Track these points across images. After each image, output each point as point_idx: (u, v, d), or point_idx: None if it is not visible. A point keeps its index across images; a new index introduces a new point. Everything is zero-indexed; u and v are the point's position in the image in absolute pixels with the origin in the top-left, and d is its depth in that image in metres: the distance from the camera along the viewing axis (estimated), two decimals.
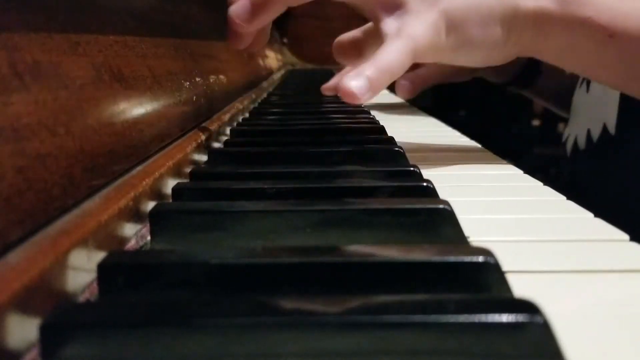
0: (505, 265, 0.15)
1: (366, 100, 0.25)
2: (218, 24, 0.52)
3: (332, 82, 0.60)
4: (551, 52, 0.28)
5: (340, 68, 0.70)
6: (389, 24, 0.26)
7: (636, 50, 0.26)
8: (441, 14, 0.26)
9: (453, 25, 0.26)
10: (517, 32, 0.27)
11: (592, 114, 0.41)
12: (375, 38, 0.31)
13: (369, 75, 0.24)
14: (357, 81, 0.24)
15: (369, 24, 0.33)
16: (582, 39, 0.27)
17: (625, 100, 0.35)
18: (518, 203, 0.23)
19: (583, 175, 0.43)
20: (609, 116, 0.39)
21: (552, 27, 0.27)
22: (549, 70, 0.51)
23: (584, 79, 0.44)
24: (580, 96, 0.44)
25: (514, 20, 0.27)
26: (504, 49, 0.28)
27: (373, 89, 0.24)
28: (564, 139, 0.46)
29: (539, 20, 0.27)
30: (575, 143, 0.43)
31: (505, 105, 1.29)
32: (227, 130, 0.38)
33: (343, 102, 0.57)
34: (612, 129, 0.38)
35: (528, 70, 0.52)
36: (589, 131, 0.41)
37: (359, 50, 0.33)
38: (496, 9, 0.26)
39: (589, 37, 0.26)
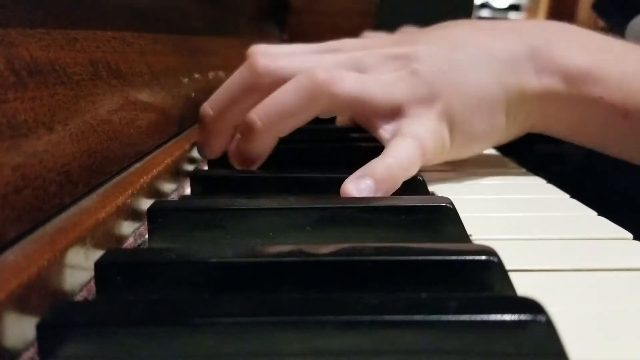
0: (508, 264, 0.14)
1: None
2: (217, 20, 0.52)
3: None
4: (560, 130, 0.26)
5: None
6: (388, 130, 0.23)
7: None
8: (441, 114, 0.23)
9: (456, 124, 0.24)
10: (523, 114, 0.25)
11: None
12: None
13: (378, 176, 0.20)
14: (361, 184, 0.20)
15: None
16: (593, 118, 0.24)
17: None
18: (521, 201, 0.23)
19: (600, 170, 0.42)
20: None
21: (561, 106, 0.25)
22: None
23: None
24: None
25: (519, 103, 0.24)
26: (509, 131, 0.25)
27: (381, 192, 0.20)
28: None
29: (546, 100, 0.24)
30: None
31: None
32: None
33: None
34: None
35: None
36: None
37: None
38: (501, 97, 0.24)
39: (600, 116, 0.24)
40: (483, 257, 0.14)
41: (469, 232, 0.18)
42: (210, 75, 0.39)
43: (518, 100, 0.24)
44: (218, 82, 0.42)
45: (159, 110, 0.26)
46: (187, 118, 0.30)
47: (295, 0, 1.18)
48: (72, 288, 0.14)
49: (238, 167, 0.25)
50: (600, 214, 0.21)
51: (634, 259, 0.17)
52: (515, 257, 0.16)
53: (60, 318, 0.12)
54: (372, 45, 0.26)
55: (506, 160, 0.31)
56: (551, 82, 0.24)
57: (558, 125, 0.26)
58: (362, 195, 0.20)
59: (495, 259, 0.14)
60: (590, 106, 0.24)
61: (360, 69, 0.24)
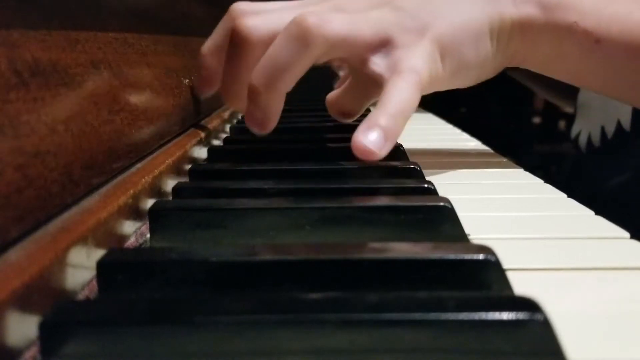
0: (505, 263, 0.14)
1: (386, 153, 0.22)
2: (217, 21, 0.52)
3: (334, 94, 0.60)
4: (538, 60, 0.27)
5: (340, 66, 0.70)
6: (379, 64, 0.24)
7: (621, 55, 0.25)
8: (433, 42, 0.24)
9: (447, 51, 0.25)
10: (504, 42, 0.26)
11: (605, 111, 0.41)
12: (360, 89, 0.29)
13: (383, 125, 0.21)
14: (371, 135, 0.21)
15: (347, 82, 0.30)
16: (568, 46, 0.26)
17: None
18: (519, 200, 0.23)
19: (598, 171, 0.42)
20: (623, 113, 0.38)
21: (538, 34, 0.26)
22: None
23: None
24: (590, 92, 0.44)
25: (500, 31, 0.26)
26: (493, 62, 0.27)
27: (391, 139, 0.21)
28: (573, 135, 0.46)
29: (525, 28, 0.26)
30: (590, 140, 0.43)
31: (505, 103, 1.29)
32: (227, 128, 0.38)
33: None
34: (626, 125, 0.38)
35: None
36: (603, 128, 0.40)
37: (349, 112, 0.31)
38: (485, 25, 0.25)
39: (575, 43, 0.25)
40: (481, 256, 0.14)
41: (467, 231, 0.18)
42: None
43: (500, 28, 0.26)
44: None
45: (160, 111, 0.26)
46: (188, 118, 0.31)
47: None
48: (73, 287, 0.14)
49: (256, 133, 0.25)
50: (597, 213, 0.21)
51: (631, 258, 0.17)
52: (512, 256, 0.16)
53: (62, 317, 0.12)
54: None
55: (504, 160, 0.31)
56: (528, 10, 0.25)
57: (536, 55, 0.27)
58: (374, 146, 0.20)
59: (493, 258, 0.14)
60: (565, 34, 0.25)
61: (345, 10, 0.25)
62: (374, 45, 0.24)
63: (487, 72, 0.27)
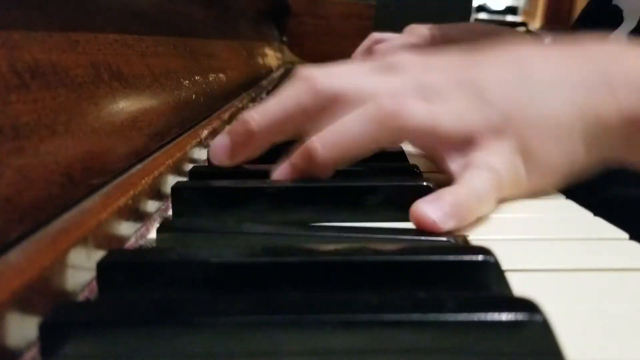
0: (504, 264, 0.15)
1: (444, 230, 0.19)
2: (217, 23, 0.52)
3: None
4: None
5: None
6: (458, 162, 0.21)
7: None
8: (514, 144, 0.21)
9: (531, 156, 0.22)
10: (604, 141, 0.22)
11: None
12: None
13: (449, 200, 0.19)
14: (434, 205, 0.19)
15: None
16: None
17: None
18: (517, 202, 0.23)
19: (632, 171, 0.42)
20: None
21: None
22: None
23: None
24: None
25: (598, 131, 0.22)
26: (590, 162, 0.22)
27: (456, 216, 0.19)
28: None
29: (628, 129, 0.21)
30: None
31: None
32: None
33: None
34: None
35: None
36: None
37: None
38: (577, 125, 0.21)
39: None
40: (480, 257, 0.14)
41: (465, 232, 0.18)
42: (211, 77, 0.39)
43: (596, 128, 0.22)
44: (219, 84, 0.42)
45: (160, 112, 0.26)
46: (188, 119, 0.31)
47: (295, 3, 1.19)
48: (74, 288, 0.14)
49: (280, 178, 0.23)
50: (595, 214, 0.21)
51: (629, 259, 0.17)
52: (511, 257, 0.16)
53: (62, 318, 0.12)
54: (434, 66, 0.24)
55: None
56: (630, 105, 0.22)
57: (638, 156, 0.23)
58: (437, 221, 0.18)
59: (492, 259, 0.14)
60: None
61: (426, 94, 0.22)
62: (453, 144, 0.22)
63: (579, 172, 0.23)
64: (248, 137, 0.23)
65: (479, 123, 0.22)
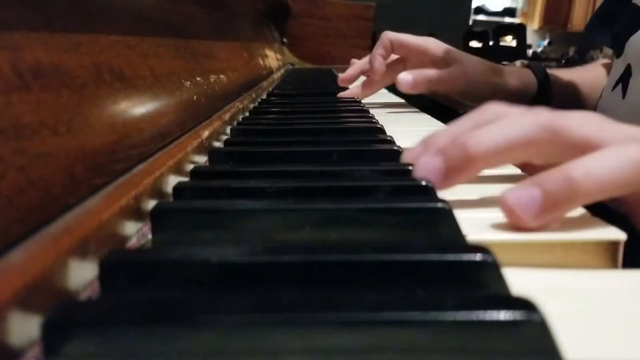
0: (503, 264, 0.15)
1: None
2: (218, 24, 0.52)
3: (346, 74, 0.61)
4: None
5: (340, 68, 0.71)
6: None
7: None
8: None
9: None
10: None
11: (631, 120, 0.40)
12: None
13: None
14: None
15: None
16: None
17: None
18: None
19: None
20: None
21: None
22: (559, 96, 0.52)
23: (617, 83, 0.44)
24: (612, 100, 0.44)
25: None
26: None
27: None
28: None
29: None
30: None
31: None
32: (228, 130, 0.38)
33: (343, 102, 0.57)
34: None
35: (539, 96, 0.53)
36: None
37: None
38: None
39: None
40: (478, 257, 0.14)
41: (464, 232, 0.19)
42: (212, 78, 0.39)
43: None
44: (219, 85, 0.42)
45: (161, 113, 0.26)
46: (189, 120, 0.31)
47: (296, 5, 1.19)
48: (75, 287, 0.14)
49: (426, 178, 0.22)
50: (594, 214, 0.21)
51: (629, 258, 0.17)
52: (510, 256, 0.16)
53: (64, 317, 0.12)
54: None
55: None
56: None
57: None
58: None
59: (490, 258, 0.14)
60: None
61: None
62: (579, 145, 0.20)
63: None
64: (464, 162, 0.21)
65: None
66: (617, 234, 0.19)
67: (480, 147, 0.21)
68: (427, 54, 0.55)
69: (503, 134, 0.21)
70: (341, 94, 0.59)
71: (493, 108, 0.24)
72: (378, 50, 0.57)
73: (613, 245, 0.18)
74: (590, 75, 0.59)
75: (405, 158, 0.25)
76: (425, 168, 0.22)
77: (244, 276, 0.14)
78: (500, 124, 0.22)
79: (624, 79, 0.44)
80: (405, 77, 0.51)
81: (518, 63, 0.64)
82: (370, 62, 0.57)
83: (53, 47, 0.18)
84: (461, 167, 0.21)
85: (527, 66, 0.58)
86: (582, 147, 0.21)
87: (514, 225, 0.19)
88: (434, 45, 0.55)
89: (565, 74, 0.58)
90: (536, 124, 0.21)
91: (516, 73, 0.55)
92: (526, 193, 0.18)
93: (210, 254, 0.14)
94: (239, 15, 0.66)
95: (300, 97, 0.61)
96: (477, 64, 0.54)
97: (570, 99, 0.55)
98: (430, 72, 0.52)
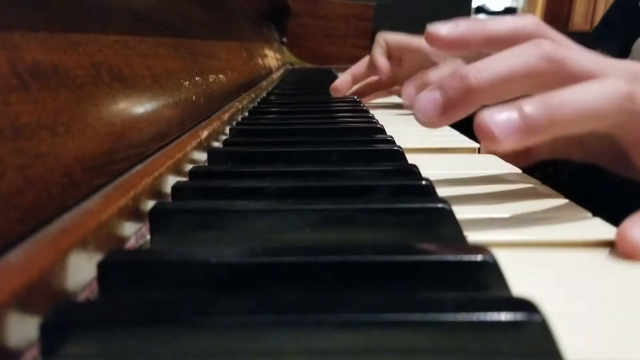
0: (503, 264, 0.15)
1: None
2: (218, 24, 0.52)
3: (338, 81, 0.60)
4: None
5: (340, 68, 0.71)
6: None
7: None
8: None
9: None
10: None
11: None
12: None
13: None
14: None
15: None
16: None
17: None
18: (517, 202, 0.23)
19: (595, 172, 0.42)
20: None
21: None
22: None
23: None
24: None
25: None
26: None
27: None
28: None
29: None
30: None
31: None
32: (227, 130, 0.38)
33: (343, 102, 0.57)
34: None
35: None
36: None
37: None
38: None
39: None
40: (479, 257, 0.14)
41: (465, 233, 0.19)
42: (211, 78, 0.39)
43: None
44: (219, 85, 0.42)
45: (160, 113, 0.26)
46: (188, 120, 0.31)
47: (295, 4, 1.19)
48: (74, 288, 0.14)
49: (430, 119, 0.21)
50: (595, 215, 0.21)
51: (629, 259, 0.17)
52: (510, 257, 0.16)
53: (62, 318, 0.12)
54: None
55: (502, 162, 0.31)
56: None
57: None
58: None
59: (491, 259, 0.14)
60: None
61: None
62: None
63: None
64: (464, 93, 0.20)
65: None
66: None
67: (479, 77, 0.20)
68: (422, 52, 0.54)
69: (503, 65, 0.21)
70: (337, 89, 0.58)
71: (531, 19, 0.23)
72: (377, 50, 0.56)
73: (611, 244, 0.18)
74: None
75: (406, 92, 0.24)
76: (424, 103, 0.21)
77: (243, 277, 0.14)
78: (501, 54, 0.21)
79: None
80: (409, 92, 0.50)
81: None
82: (375, 64, 0.56)
83: (52, 47, 0.18)
84: (461, 99, 0.21)
85: None
86: (582, 80, 0.20)
87: (487, 147, 0.18)
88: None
89: None
90: (538, 55, 0.21)
91: None
92: (505, 114, 0.18)
93: (209, 254, 0.14)
94: (238, 15, 0.66)
95: (299, 97, 0.61)
96: (478, 56, 0.53)
97: None
98: (432, 74, 0.52)
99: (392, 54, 0.57)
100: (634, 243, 0.17)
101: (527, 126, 0.18)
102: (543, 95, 0.19)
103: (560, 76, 0.21)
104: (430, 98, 0.21)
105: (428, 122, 0.21)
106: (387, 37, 0.56)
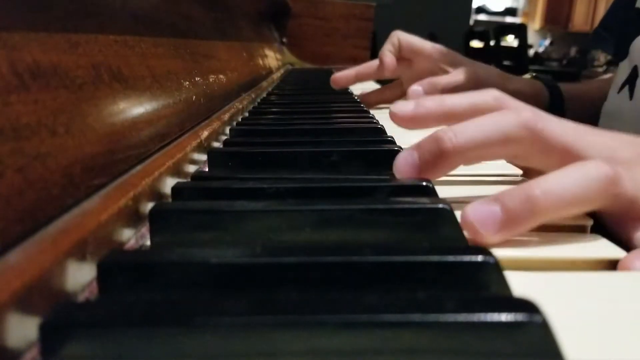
0: (504, 264, 0.15)
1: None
2: (218, 24, 0.52)
3: (341, 73, 0.59)
4: None
5: (339, 68, 0.71)
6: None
7: None
8: None
9: None
10: None
11: (638, 122, 0.40)
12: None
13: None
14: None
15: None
16: None
17: None
18: None
19: None
20: None
21: None
22: (573, 105, 0.52)
23: (623, 85, 0.44)
24: (619, 102, 0.44)
25: None
26: None
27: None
28: None
29: None
30: None
31: None
32: (227, 130, 0.38)
33: (343, 103, 0.57)
34: None
35: (552, 107, 0.53)
36: None
37: None
38: None
39: None
40: (479, 258, 0.14)
41: (465, 233, 0.19)
42: (211, 78, 0.39)
43: None
44: (219, 85, 0.42)
45: (160, 113, 0.26)
46: (188, 120, 0.31)
47: (295, 4, 1.19)
48: (74, 289, 0.14)
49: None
50: (596, 216, 0.21)
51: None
52: (511, 257, 0.16)
53: (62, 318, 0.12)
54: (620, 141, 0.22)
55: (504, 164, 0.31)
56: None
57: None
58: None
59: (492, 260, 0.14)
60: None
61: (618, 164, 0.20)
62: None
63: None
64: (439, 156, 0.21)
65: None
66: (618, 252, 0.18)
67: (455, 141, 0.21)
68: (432, 58, 0.54)
69: (481, 130, 0.21)
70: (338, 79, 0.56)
71: (492, 93, 0.24)
72: (387, 47, 0.56)
73: (614, 263, 0.18)
74: (605, 85, 0.59)
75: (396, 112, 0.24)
76: (401, 162, 0.22)
77: (244, 277, 0.14)
78: (481, 119, 0.22)
79: (631, 81, 0.44)
80: (415, 89, 0.49)
81: (527, 76, 0.64)
82: (380, 58, 0.56)
83: (51, 47, 0.18)
84: (435, 161, 0.21)
85: (536, 77, 0.58)
86: (559, 153, 0.21)
87: (474, 240, 0.18)
88: (440, 49, 0.55)
89: (579, 86, 0.58)
90: (517, 123, 0.21)
91: (527, 82, 0.55)
92: (486, 209, 0.18)
93: (209, 255, 0.14)
94: (238, 15, 0.66)
95: (300, 97, 0.61)
96: (489, 68, 0.54)
97: (585, 109, 0.55)
98: (441, 79, 0.51)
99: (403, 54, 0.57)
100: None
101: (510, 220, 0.18)
102: (524, 185, 0.18)
103: (539, 147, 0.21)
104: (407, 158, 0.22)
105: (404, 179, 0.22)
106: (400, 37, 0.56)
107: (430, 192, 0.21)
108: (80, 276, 0.14)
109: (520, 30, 3.45)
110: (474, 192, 0.25)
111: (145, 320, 0.12)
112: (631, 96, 0.43)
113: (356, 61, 0.62)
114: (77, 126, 0.18)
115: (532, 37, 4.12)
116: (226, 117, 0.39)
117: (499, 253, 0.18)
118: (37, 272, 0.12)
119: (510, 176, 0.28)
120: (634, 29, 0.44)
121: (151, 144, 0.24)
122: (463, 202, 0.23)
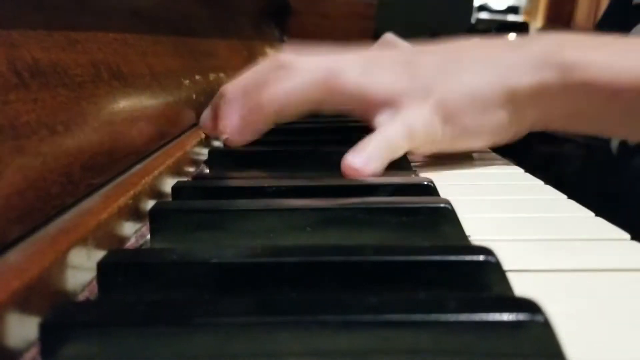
0: (506, 264, 0.14)
1: (370, 173, 0.24)
2: (218, 22, 0.52)
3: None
4: (557, 121, 0.28)
5: None
6: (383, 121, 0.26)
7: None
8: (434, 107, 0.26)
9: (448, 116, 0.26)
10: (519, 112, 0.26)
11: None
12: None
13: (368, 151, 0.24)
14: (356, 156, 0.24)
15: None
16: (586, 103, 0.26)
17: None
18: (519, 202, 0.23)
19: (597, 171, 0.43)
20: None
21: (555, 99, 0.26)
22: None
23: None
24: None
25: (513, 101, 0.26)
26: (510, 130, 0.27)
27: (374, 160, 0.24)
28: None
29: (541, 95, 0.26)
30: (624, 141, 0.43)
31: None
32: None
33: None
34: None
35: None
36: None
37: None
38: (489, 95, 0.26)
39: (592, 99, 0.25)
40: (481, 257, 0.14)
41: (467, 232, 0.18)
42: (211, 76, 0.39)
43: (512, 100, 0.26)
44: (219, 84, 0.42)
45: (160, 111, 0.26)
46: (187, 119, 0.31)
47: (296, 2, 1.19)
48: (74, 288, 0.14)
49: (231, 142, 0.27)
50: (597, 214, 0.21)
51: (631, 259, 0.17)
52: (513, 257, 0.16)
53: (62, 318, 0.12)
54: (387, 53, 0.30)
55: (504, 161, 0.31)
56: (545, 75, 0.26)
57: (553, 120, 0.28)
58: (359, 168, 0.23)
59: (493, 259, 0.14)
60: (583, 92, 0.25)
61: (367, 69, 0.27)
62: (379, 103, 0.26)
63: (503, 138, 0.28)
64: (258, 116, 0.27)
65: (404, 87, 0.26)
66: (620, 234, 0.18)
67: (230, 90, 0.27)
68: None
69: (285, 93, 0.26)
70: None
71: (282, 58, 0.28)
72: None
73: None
74: None
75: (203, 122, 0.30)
76: (202, 117, 0.29)
77: (244, 277, 0.14)
78: (282, 82, 0.26)
79: None
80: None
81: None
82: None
83: (51, 45, 0.18)
84: (255, 120, 0.27)
85: None
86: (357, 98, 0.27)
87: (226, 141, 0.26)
88: None
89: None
90: (313, 82, 0.26)
91: None
92: (227, 118, 0.26)
93: (209, 255, 0.14)
94: (238, 13, 0.66)
95: None
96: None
97: None
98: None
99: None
100: (348, 167, 0.24)
101: (245, 122, 0.26)
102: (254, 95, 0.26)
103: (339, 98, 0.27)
104: (205, 115, 0.29)
105: (208, 132, 0.30)
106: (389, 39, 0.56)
107: (432, 191, 0.21)
108: (80, 276, 0.14)
109: (522, 29, 3.44)
110: (475, 191, 0.25)
111: (145, 320, 0.12)
112: None
113: None
114: (77, 124, 0.18)
115: None
116: None
117: (499, 237, 0.18)
118: (37, 272, 0.12)
119: (512, 175, 0.28)
120: (633, 24, 0.44)
121: (151, 142, 0.24)
122: (463, 202, 0.23)
